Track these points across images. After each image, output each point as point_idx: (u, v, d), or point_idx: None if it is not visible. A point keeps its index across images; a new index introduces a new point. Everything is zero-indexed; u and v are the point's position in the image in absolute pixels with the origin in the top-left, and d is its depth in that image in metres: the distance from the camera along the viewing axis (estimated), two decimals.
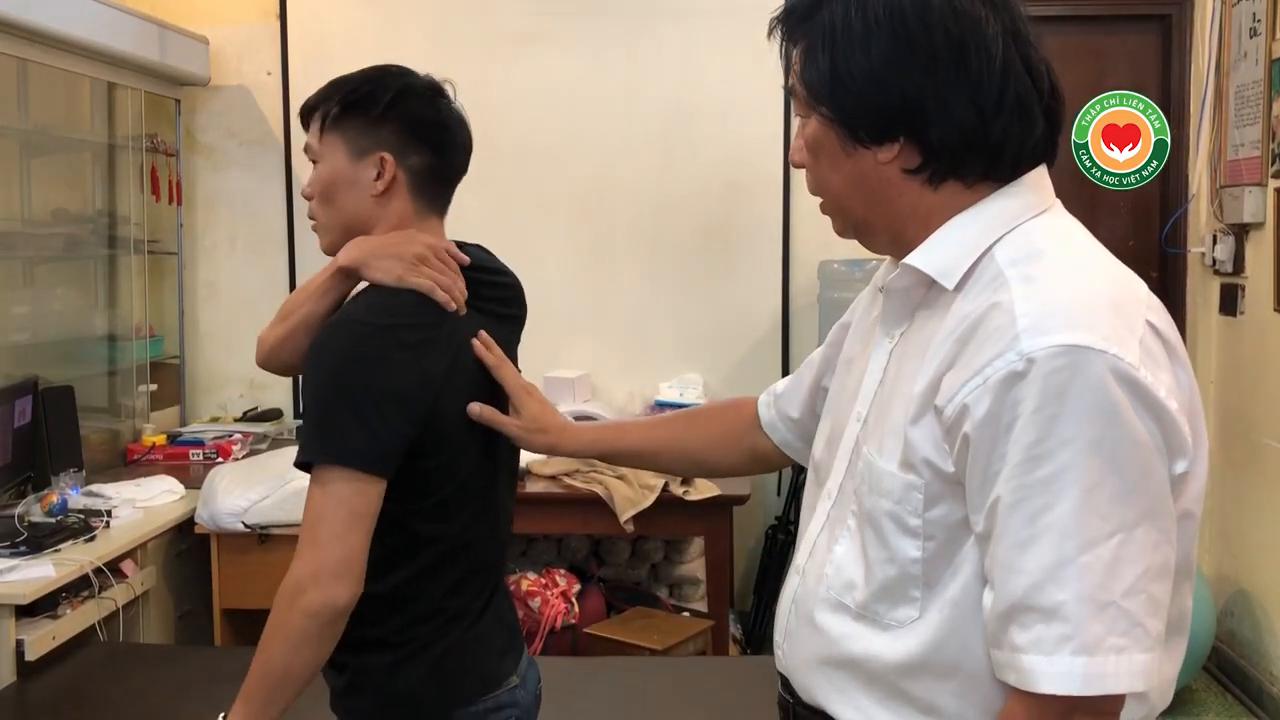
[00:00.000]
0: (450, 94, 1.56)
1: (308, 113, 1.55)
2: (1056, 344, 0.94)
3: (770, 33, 1.12)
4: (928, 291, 1.09)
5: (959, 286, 1.05)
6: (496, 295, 1.59)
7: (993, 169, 1.06)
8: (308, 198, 1.56)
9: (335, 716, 1.54)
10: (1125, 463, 0.93)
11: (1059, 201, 1.11)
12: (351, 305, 1.47)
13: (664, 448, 1.54)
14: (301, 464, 1.39)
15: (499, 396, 1.50)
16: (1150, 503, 0.94)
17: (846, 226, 1.15)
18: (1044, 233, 1.05)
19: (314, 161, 1.54)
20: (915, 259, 1.08)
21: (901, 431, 1.04)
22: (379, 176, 1.49)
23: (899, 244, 1.10)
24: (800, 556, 1.19)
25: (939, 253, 1.06)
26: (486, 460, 1.51)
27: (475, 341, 1.48)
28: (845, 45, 1.05)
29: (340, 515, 1.34)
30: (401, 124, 1.50)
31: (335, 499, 1.34)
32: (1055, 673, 0.93)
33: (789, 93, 1.12)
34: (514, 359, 1.59)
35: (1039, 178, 1.09)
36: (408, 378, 1.38)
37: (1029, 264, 1.01)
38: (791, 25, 1.10)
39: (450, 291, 1.45)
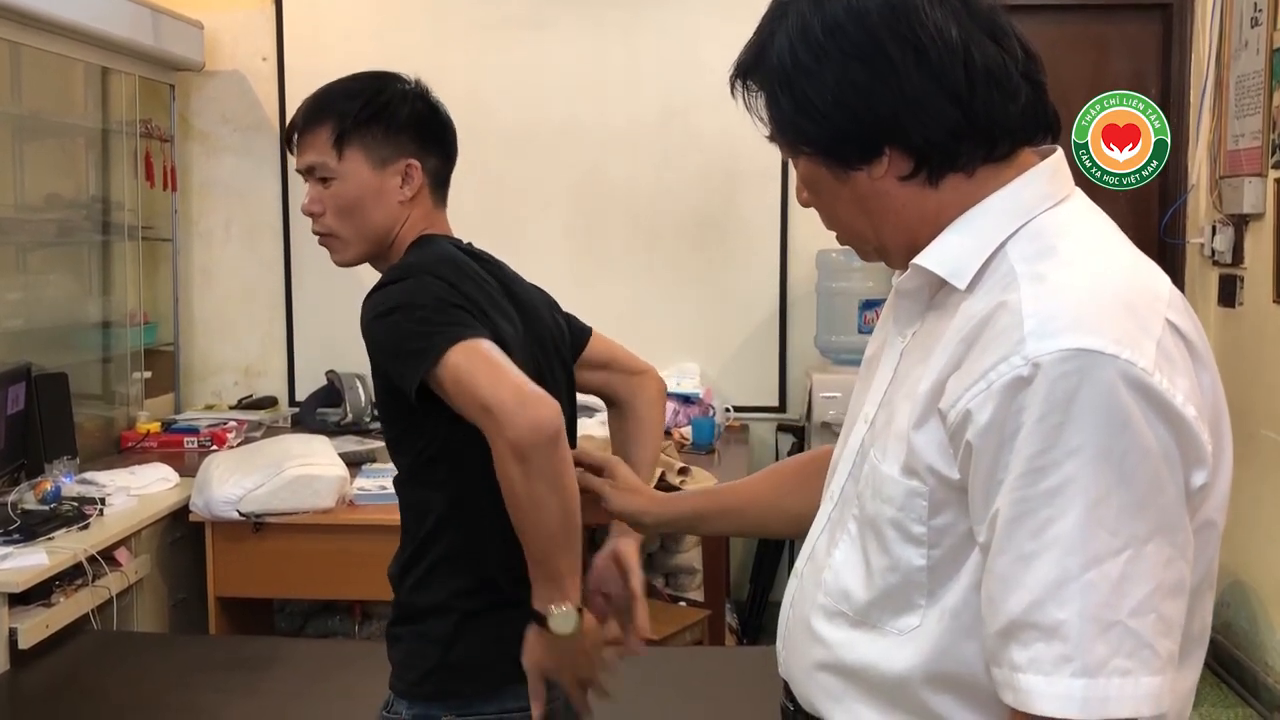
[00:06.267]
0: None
1: (305, 129, 1.54)
2: (1064, 348, 0.89)
3: (732, 91, 1.09)
4: (938, 291, 1.05)
5: (970, 286, 1.01)
6: None
7: (988, 151, 1.02)
8: (316, 214, 1.55)
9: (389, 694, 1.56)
10: (1136, 474, 0.88)
11: (1079, 190, 1.07)
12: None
13: (752, 501, 1.48)
14: None
15: None
16: (1163, 517, 0.89)
17: (868, 252, 1.12)
18: (1060, 226, 1.01)
19: (325, 179, 1.53)
20: (925, 259, 1.04)
21: (905, 436, 1.00)
22: (404, 183, 1.53)
23: (916, 253, 1.06)
24: (800, 559, 1.17)
25: (950, 251, 1.03)
26: None
27: None
28: (800, 80, 1.01)
29: None
30: (415, 129, 1.54)
31: None
32: (1054, 694, 0.88)
33: (770, 140, 1.09)
34: None
35: (1054, 167, 1.05)
36: None
37: (1041, 261, 0.97)
38: (747, 77, 1.08)
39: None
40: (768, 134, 1.09)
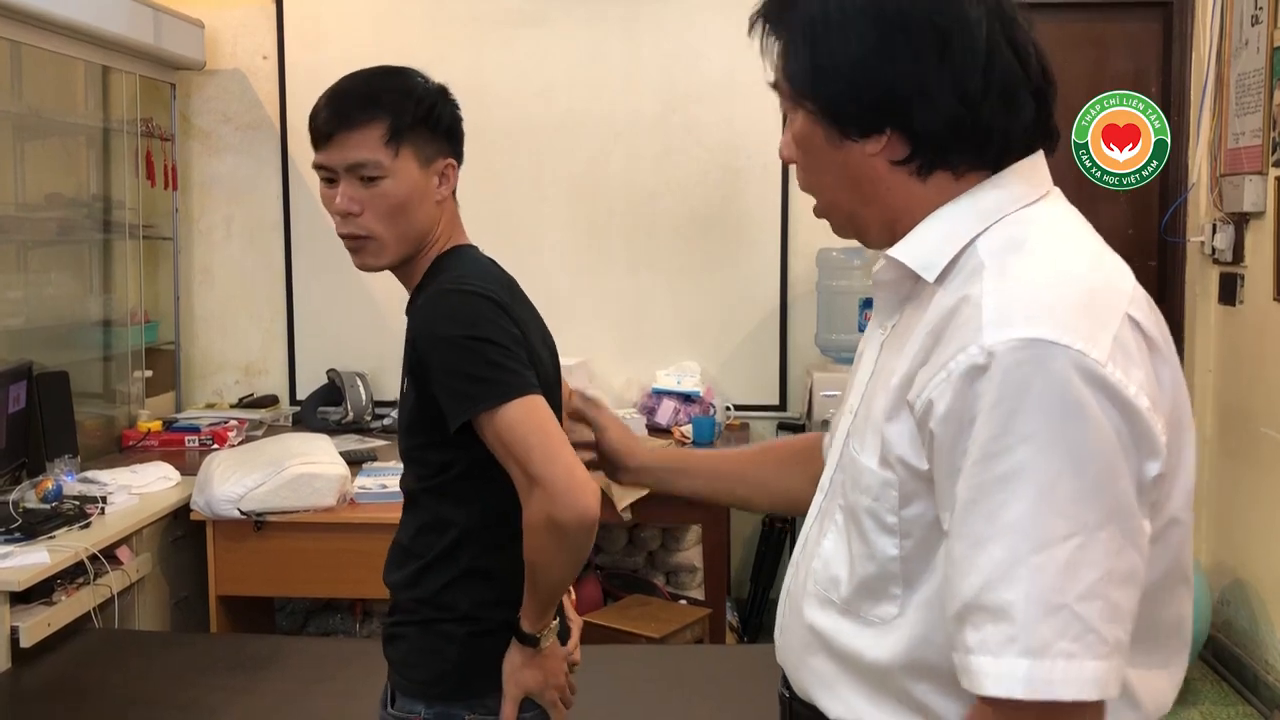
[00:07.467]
0: None
1: (353, 125, 1.48)
2: (1018, 337, 0.91)
3: (750, 28, 1.09)
4: (915, 284, 1.07)
5: (940, 279, 1.03)
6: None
7: (981, 158, 1.04)
8: (353, 214, 1.49)
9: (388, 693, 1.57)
10: (1088, 462, 0.89)
11: (1056, 189, 1.08)
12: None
13: (737, 471, 1.50)
14: None
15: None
16: (1115, 504, 0.90)
17: (843, 224, 1.13)
18: (1030, 223, 1.03)
19: (373, 177, 1.47)
20: (897, 251, 1.06)
21: (879, 428, 1.03)
22: (442, 183, 1.53)
23: (893, 239, 1.08)
24: (796, 549, 1.19)
25: (922, 245, 1.05)
26: None
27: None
28: (826, 37, 1.03)
29: None
30: (450, 129, 1.55)
31: None
32: (999, 673, 0.89)
33: (773, 88, 1.10)
34: None
35: (1032, 166, 1.06)
36: None
37: (1006, 255, 0.99)
38: (771, 19, 1.08)
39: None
40: (772, 81, 1.09)
